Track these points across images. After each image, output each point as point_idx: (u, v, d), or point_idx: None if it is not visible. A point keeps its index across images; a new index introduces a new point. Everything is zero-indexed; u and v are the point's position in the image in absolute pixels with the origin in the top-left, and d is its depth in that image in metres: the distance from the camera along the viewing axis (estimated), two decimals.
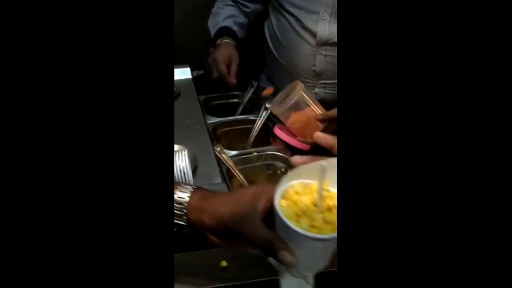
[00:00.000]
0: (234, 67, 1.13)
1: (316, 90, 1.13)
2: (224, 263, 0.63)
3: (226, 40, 1.18)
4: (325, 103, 0.97)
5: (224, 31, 1.20)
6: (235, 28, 1.22)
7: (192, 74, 1.29)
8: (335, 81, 1.07)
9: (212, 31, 1.23)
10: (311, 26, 1.06)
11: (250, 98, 1.17)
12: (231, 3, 1.26)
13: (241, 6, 1.26)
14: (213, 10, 1.27)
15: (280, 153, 0.98)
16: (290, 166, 0.96)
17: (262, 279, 0.60)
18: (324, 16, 1.03)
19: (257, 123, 1.02)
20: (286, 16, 1.10)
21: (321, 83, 1.12)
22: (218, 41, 1.18)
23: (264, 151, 0.99)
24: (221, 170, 0.91)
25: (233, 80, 1.13)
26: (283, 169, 0.98)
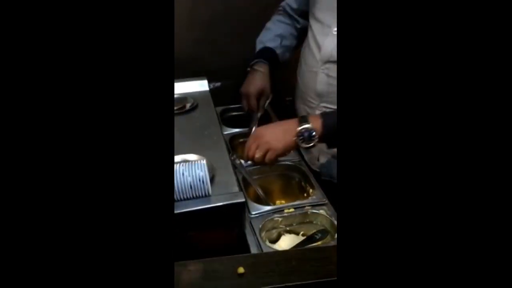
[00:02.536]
0: (263, 101, 1.12)
1: (317, 112, 1.01)
2: (241, 270, 0.65)
3: (260, 69, 1.12)
4: None
5: (265, 53, 1.14)
6: (279, 51, 1.15)
7: (209, 86, 1.33)
8: None
9: (257, 47, 1.17)
10: (320, 40, 0.99)
11: (265, 109, 1.20)
12: (284, 19, 1.19)
13: (295, 22, 1.18)
14: (267, 24, 1.20)
15: (295, 164, 1.00)
16: (305, 177, 0.98)
17: (277, 286, 0.62)
18: (335, 31, 0.94)
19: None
20: (309, 30, 1.06)
21: (323, 106, 1.01)
22: (255, 66, 1.13)
23: (279, 161, 1.01)
24: (237, 179, 0.93)
25: (259, 113, 1.13)
26: (297, 179, 1.00)
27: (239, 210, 0.75)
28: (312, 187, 0.94)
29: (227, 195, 0.76)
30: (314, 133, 0.82)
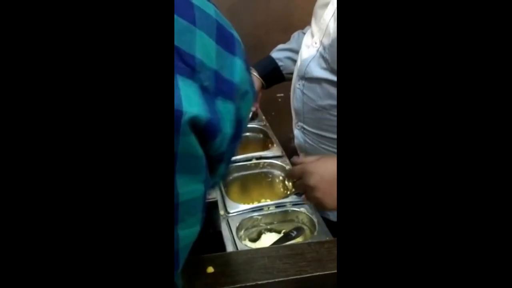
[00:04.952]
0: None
1: (295, 132, 0.97)
2: (210, 269, 0.62)
3: (256, 79, 1.10)
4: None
5: (267, 65, 1.12)
6: (282, 63, 1.11)
7: None
8: (315, 131, 0.90)
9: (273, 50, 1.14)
10: (303, 49, 0.91)
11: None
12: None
13: None
14: (294, 33, 1.14)
15: (278, 161, 0.98)
16: (287, 174, 0.95)
17: (248, 284, 0.59)
18: (315, 43, 0.86)
19: None
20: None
21: (300, 125, 0.95)
22: (253, 73, 1.09)
23: (261, 158, 0.98)
24: None
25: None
26: (281, 177, 0.97)
27: (211, 209, 0.72)
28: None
29: None
30: None
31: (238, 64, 0.39)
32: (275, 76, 1.12)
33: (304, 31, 1.08)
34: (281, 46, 1.13)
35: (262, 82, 1.12)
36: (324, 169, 0.72)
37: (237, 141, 0.45)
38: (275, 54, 1.12)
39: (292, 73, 1.03)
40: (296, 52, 1.03)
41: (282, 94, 1.43)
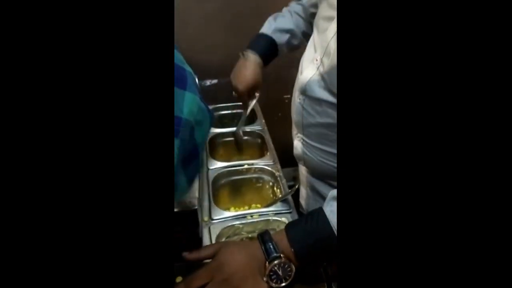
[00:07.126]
0: (252, 98, 1.05)
1: (295, 142, 0.97)
2: (179, 279, 0.66)
3: (253, 60, 0.99)
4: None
5: (265, 45, 1.01)
6: (281, 47, 1.04)
7: (204, 83, 1.34)
8: (314, 144, 0.90)
9: (264, 28, 1.04)
10: (304, 64, 0.89)
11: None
12: (301, 13, 1.03)
13: (309, 17, 1.03)
14: (284, 10, 1.06)
15: (269, 167, 1.00)
16: (277, 181, 0.97)
17: None
18: (316, 60, 0.83)
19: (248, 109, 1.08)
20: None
21: (300, 137, 0.94)
22: (249, 53, 1.00)
23: (253, 164, 1.00)
24: (206, 183, 0.94)
25: (246, 113, 1.08)
26: (271, 183, 0.99)
27: (191, 218, 0.76)
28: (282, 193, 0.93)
29: (181, 202, 0.77)
30: (288, 267, 0.59)
31: (188, 97, 0.41)
32: (269, 62, 1.05)
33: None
34: (282, 24, 1.02)
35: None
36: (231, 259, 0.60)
37: (190, 164, 0.47)
38: (278, 37, 1.02)
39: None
40: (295, 34, 1.02)
41: (289, 96, 1.43)
